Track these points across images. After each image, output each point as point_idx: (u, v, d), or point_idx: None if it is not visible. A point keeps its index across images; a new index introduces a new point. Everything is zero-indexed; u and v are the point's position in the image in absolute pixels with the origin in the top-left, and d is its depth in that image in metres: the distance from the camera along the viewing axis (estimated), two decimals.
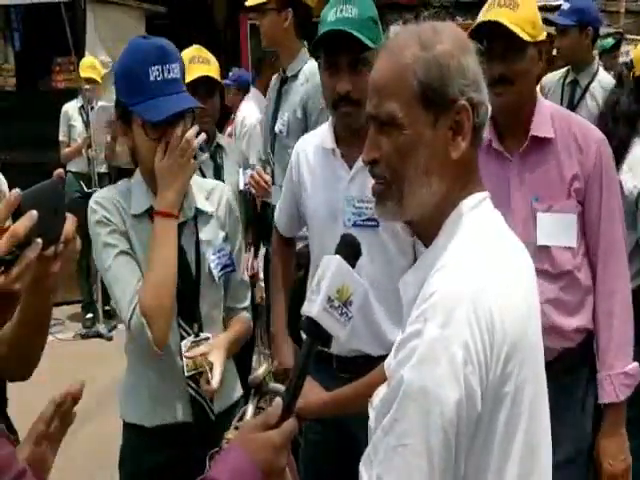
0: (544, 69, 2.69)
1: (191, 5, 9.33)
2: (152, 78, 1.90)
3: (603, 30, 5.96)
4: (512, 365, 1.19)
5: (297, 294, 2.38)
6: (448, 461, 1.16)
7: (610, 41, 7.09)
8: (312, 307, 1.22)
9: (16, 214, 1.12)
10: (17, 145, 7.13)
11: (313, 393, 1.89)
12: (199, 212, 2.10)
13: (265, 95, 4.02)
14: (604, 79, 4.45)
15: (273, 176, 3.40)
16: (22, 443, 1.31)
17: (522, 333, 1.22)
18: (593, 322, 2.18)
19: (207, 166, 3.27)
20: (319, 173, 2.31)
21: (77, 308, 6.79)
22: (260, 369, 1.78)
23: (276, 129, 3.42)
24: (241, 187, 3.46)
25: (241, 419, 1.69)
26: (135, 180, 2.08)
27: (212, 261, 2.09)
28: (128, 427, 2.15)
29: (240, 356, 2.33)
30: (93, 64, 6.69)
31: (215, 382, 1.97)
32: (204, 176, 3.00)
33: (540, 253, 2.09)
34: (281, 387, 1.74)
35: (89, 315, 6.62)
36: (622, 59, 6.80)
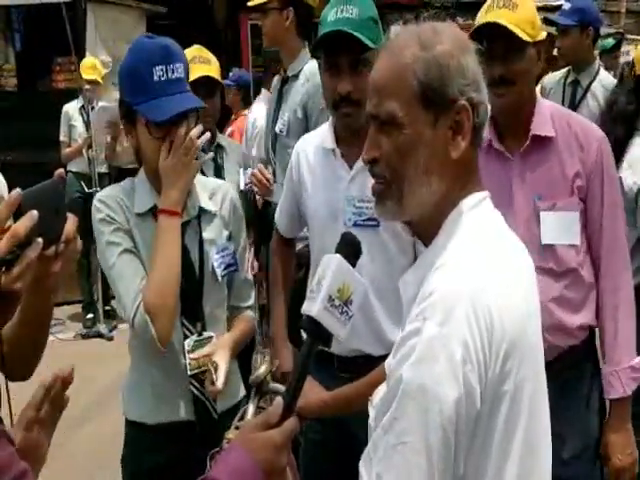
0: (544, 69, 2.70)
1: (191, 5, 9.33)
2: (156, 78, 1.91)
3: (604, 30, 5.96)
4: (511, 363, 1.19)
5: (297, 294, 2.38)
6: (447, 459, 1.16)
7: (611, 41, 7.10)
8: (313, 306, 1.22)
9: (17, 214, 1.13)
10: (17, 145, 7.14)
11: (313, 393, 1.89)
12: (203, 211, 2.11)
13: None
14: (605, 79, 4.46)
15: (274, 176, 3.41)
16: (13, 429, 1.31)
17: (521, 331, 1.22)
18: (596, 318, 2.20)
19: (208, 166, 3.27)
20: (319, 173, 2.31)
21: (78, 308, 6.80)
22: (261, 369, 1.78)
23: (277, 129, 3.42)
24: (242, 187, 3.46)
25: (242, 419, 1.69)
26: (139, 179, 2.09)
27: (215, 260, 2.09)
28: (131, 425, 2.16)
29: (241, 356, 2.33)
30: (94, 65, 6.70)
31: (220, 383, 1.97)
32: (205, 176, 3.00)
33: (545, 251, 2.11)
34: (282, 387, 1.74)
35: (90, 315, 6.63)
36: (623, 59, 6.81)
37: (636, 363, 2.16)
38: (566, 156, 2.13)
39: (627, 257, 2.21)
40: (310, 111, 3.28)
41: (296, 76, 3.41)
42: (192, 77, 3.01)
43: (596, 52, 5.11)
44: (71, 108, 6.66)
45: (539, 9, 2.23)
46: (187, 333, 2.06)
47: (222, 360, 2.01)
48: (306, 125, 3.25)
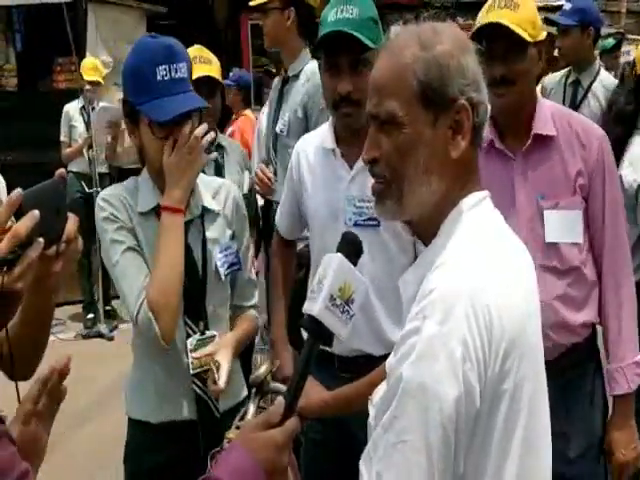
0: (544, 69, 2.71)
1: (192, 5, 9.33)
2: (159, 78, 1.91)
3: (604, 30, 5.96)
4: (510, 362, 1.19)
5: (297, 295, 2.38)
6: (447, 458, 1.16)
7: (611, 41, 7.10)
8: (314, 305, 1.22)
9: (18, 214, 1.13)
10: (18, 145, 7.14)
11: (314, 392, 1.89)
12: (206, 210, 2.11)
13: None
14: (606, 79, 4.46)
15: (276, 175, 3.41)
16: (10, 424, 1.31)
17: (521, 330, 1.22)
18: (599, 316, 2.22)
19: (208, 166, 3.27)
20: (319, 173, 2.31)
21: (78, 308, 6.80)
22: (261, 369, 1.78)
23: (277, 129, 3.43)
24: (245, 191, 3.46)
25: (242, 419, 1.69)
26: (142, 178, 2.09)
27: (219, 259, 2.09)
28: (133, 423, 2.16)
29: (242, 355, 2.33)
30: (95, 65, 6.70)
31: (222, 382, 1.97)
32: None
33: (548, 250, 2.13)
34: (282, 387, 1.74)
35: (90, 315, 6.63)
36: (623, 59, 6.81)
37: None
38: (568, 155, 2.14)
39: (628, 254, 2.23)
40: (310, 111, 3.28)
41: (296, 76, 3.42)
42: (193, 77, 3.02)
43: (596, 52, 5.12)
44: (72, 108, 6.66)
45: (539, 9, 2.23)
46: (190, 332, 2.06)
47: (224, 359, 2.01)
48: (306, 125, 3.25)
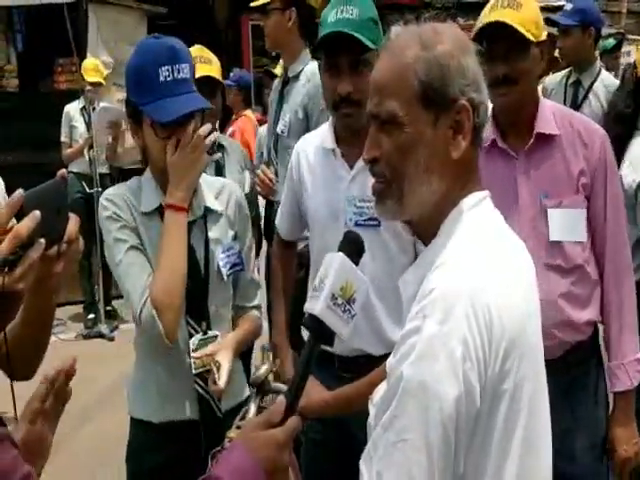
0: (544, 70, 2.71)
1: (192, 5, 9.34)
2: (162, 78, 1.91)
3: (604, 31, 5.96)
4: (511, 362, 1.19)
5: (298, 295, 2.38)
6: (447, 457, 1.16)
7: (611, 41, 7.11)
8: (315, 304, 1.22)
9: (19, 215, 1.13)
10: (19, 146, 7.15)
11: (315, 392, 1.89)
12: (208, 211, 2.11)
13: None
14: (607, 79, 4.47)
15: (277, 176, 3.41)
16: (18, 423, 1.31)
17: (521, 330, 1.22)
18: (601, 313, 2.23)
19: (209, 166, 3.27)
20: (319, 173, 2.31)
21: (79, 308, 6.80)
22: (261, 369, 1.78)
23: (278, 130, 3.43)
24: (246, 190, 3.46)
25: (243, 418, 1.69)
26: (145, 178, 2.09)
27: (221, 260, 2.10)
28: (135, 423, 2.16)
29: (243, 355, 2.33)
30: (96, 66, 6.70)
31: (222, 382, 1.98)
32: None
33: (552, 248, 2.14)
34: (283, 386, 1.74)
35: (91, 315, 6.63)
36: (623, 59, 6.81)
37: None
38: (570, 154, 2.15)
39: (629, 252, 2.25)
40: (311, 112, 3.28)
41: (297, 77, 3.42)
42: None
43: (597, 52, 5.11)
44: (72, 109, 6.66)
45: (541, 9, 2.23)
46: (192, 332, 2.07)
47: (225, 359, 2.01)
48: (307, 125, 3.26)
